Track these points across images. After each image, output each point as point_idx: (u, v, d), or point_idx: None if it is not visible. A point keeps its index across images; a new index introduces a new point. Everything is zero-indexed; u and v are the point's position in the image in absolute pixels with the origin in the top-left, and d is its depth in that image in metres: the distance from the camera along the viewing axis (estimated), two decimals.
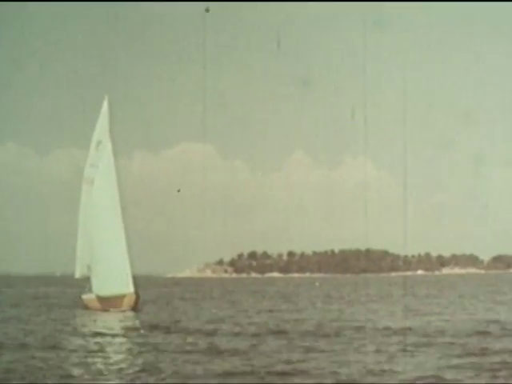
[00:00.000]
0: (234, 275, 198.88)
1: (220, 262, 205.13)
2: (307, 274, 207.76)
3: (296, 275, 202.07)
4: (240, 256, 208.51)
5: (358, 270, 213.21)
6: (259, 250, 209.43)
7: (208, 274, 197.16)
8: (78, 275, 41.83)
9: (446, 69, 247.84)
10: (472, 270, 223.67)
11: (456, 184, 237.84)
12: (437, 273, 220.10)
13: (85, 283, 40.71)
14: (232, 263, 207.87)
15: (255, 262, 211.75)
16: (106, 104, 40.06)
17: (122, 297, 38.11)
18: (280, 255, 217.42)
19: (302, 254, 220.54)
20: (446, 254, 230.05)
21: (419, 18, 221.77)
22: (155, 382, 16.78)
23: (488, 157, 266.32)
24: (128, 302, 38.10)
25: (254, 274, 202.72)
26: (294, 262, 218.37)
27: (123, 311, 37.55)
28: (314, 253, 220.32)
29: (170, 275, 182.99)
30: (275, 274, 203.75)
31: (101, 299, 39.02)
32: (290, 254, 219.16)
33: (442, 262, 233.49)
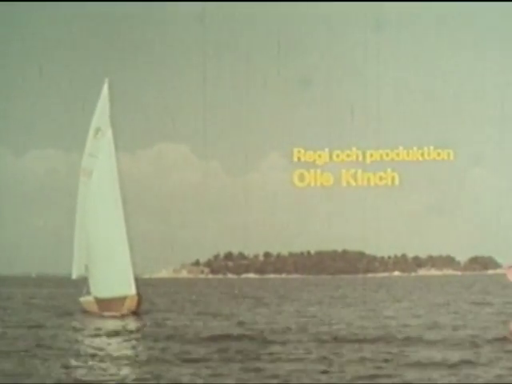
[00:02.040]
0: (211, 276, 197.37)
1: (196, 263, 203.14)
2: (283, 275, 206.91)
3: (272, 276, 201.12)
4: (216, 257, 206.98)
5: (334, 271, 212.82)
6: (235, 250, 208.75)
7: (184, 274, 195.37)
8: (74, 276, 38.14)
9: (447, 69, 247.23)
10: (449, 272, 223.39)
11: (433, 185, 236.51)
12: (413, 274, 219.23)
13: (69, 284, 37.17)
14: (208, 264, 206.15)
15: (231, 262, 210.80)
16: (106, 87, 36.19)
17: (122, 299, 34.60)
18: (256, 256, 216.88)
19: (278, 255, 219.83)
20: (423, 255, 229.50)
21: (419, 18, 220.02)
22: (155, 382, 16.42)
23: (466, 157, 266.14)
24: (129, 304, 34.55)
25: (230, 275, 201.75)
26: (270, 263, 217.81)
27: (124, 315, 34.09)
28: (290, 254, 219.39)
29: (146, 276, 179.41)
30: (251, 275, 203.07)
31: (99, 301, 35.40)
32: (266, 254, 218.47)
33: (418, 263, 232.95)
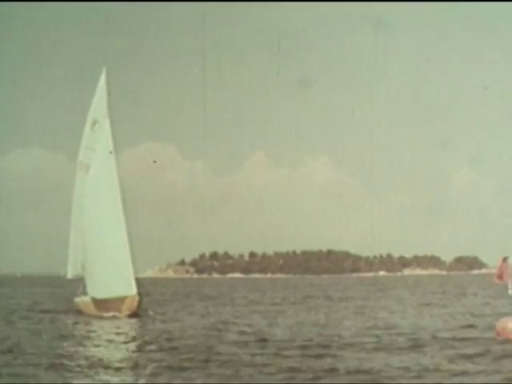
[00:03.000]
0: (196, 276, 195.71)
1: (182, 263, 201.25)
2: (268, 275, 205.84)
3: (258, 276, 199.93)
4: (202, 256, 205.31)
5: (320, 270, 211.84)
6: (221, 250, 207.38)
7: (170, 274, 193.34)
8: (70, 275, 36.15)
9: (446, 69, 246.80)
10: (434, 271, 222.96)
11: (418, 185, 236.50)
12: (399, 274, 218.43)
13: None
14: (194, 264, 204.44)
15: (217, 262, 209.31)
16: (103, 77, 34.30)
17: (122, 299, 32.72)
18: (241, 256, 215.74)
19: (264, 255, 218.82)
20: (408, 254, 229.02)
21: (419, 18, 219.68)
22: (156, 382, 15.97)
23: (451, 158, 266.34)
24: (129, 305, 32.67)
25: (215, 275, 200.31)
26: (255, 263, 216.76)
27: (123, 316, 32.30)
28: (276, 253, 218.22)
29: None
30: (237, 275, 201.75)
31: (97, 302, 33.50)
32: (252, 254, 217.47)
33: (403, 262, 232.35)
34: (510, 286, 30.78)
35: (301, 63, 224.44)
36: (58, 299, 49.61)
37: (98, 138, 33.96)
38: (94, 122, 34.20)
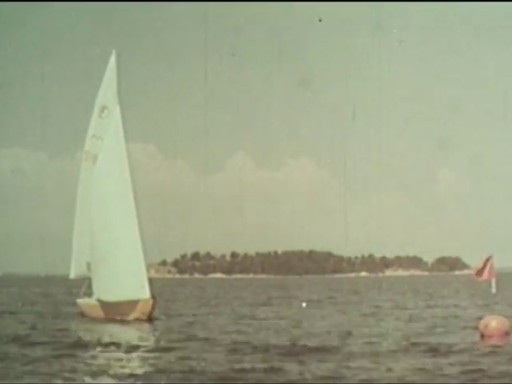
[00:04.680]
0: (178, 276, 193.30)
1: (163, 263, 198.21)
2: (250, 275, 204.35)
3: (239, 276, 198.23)
4: (183, 257, 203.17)
5: (302, 271, 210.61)
6: (202, 250, 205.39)
7: (152, 274, 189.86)
8: (73, 275, 32.88)
9: (447, 68, 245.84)
10: (416, 272, 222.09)
11: (400, 185, 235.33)
12: (380, 275, 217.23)
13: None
14: (175, 264, 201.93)
15: (198, 262, 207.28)
16: (113, 59, 31.17)
17: (134, 303, 29.51)
18: (223, 256, 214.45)
19: (245, 255, 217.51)
20: (390, 255, 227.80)
21: (420, 18, 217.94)
22: (156, 382, 15.04)
23: (434, 158, 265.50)
24: (142, 309, 29.34)
25: (197, 275, 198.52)
26: (237, 263, 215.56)
27: (135, 321, 29.34)
28: (257, 254, 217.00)
29: None
30: (218, 275, 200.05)
31: (105, 305, 30.25)
32: (233, 254, 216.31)
33: (385, 263, 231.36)
34: (493, 285, 28.74)
35: (301, 63, 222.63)
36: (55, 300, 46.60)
37: (106, 126, 30.85)
38: (103, 109, 31.14)
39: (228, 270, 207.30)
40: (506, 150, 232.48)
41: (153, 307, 29.83)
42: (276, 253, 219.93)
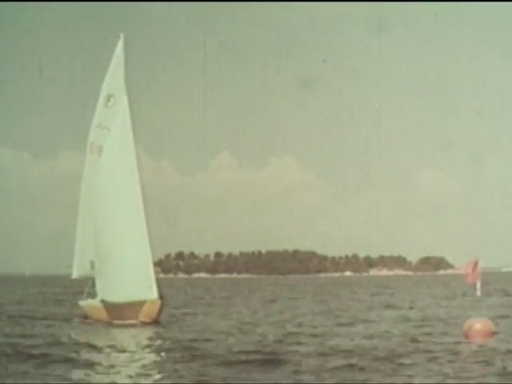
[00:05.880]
0: (162, 275, 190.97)
1: None
2: (234, 275, 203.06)
3: (223, 276, 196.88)
4: (167, 256, 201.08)
5: (286, 270, 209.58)
6: (186, 250, 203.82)
7: None
8: (75, 275, 30.82)
9: (446, 69, 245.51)
10: (400, 272, 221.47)
11: (384, 185, 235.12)
12: (364, 274, 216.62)
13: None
14: (159, 263, 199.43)
15: (182, 262, 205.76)
16: (120, 44, 29.24)
17: (140, 304, 27.65)
18: (207, 256, 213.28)
19: (229, 255, 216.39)
20: (374, 255, 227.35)
21: (419, 18, 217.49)
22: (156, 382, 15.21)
23: (418, 159, 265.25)
24: (149, 311, 27.59)
25: (181, 275, 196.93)
26: (221, 263, 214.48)
27: (141, 323, 27.46)
28: (241, 253, 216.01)
29: None
30: (202, 275, 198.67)
31: (109, 307, 28.28)
32: (217, 254, 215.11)
33: (369, 263, 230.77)
34: (478, 288, 28.77)
35: (301, 63, 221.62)
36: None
37: (112, 116, 28.91)
38: (109, 97, 29.14)
39: (212, 270, 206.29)
40: (490, 150, 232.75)
41: (160, 309, 27.99)
42: (260, 252, 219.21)
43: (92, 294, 30.15)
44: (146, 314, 27.76)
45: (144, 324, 27.50)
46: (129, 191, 28.30)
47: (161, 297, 28.10)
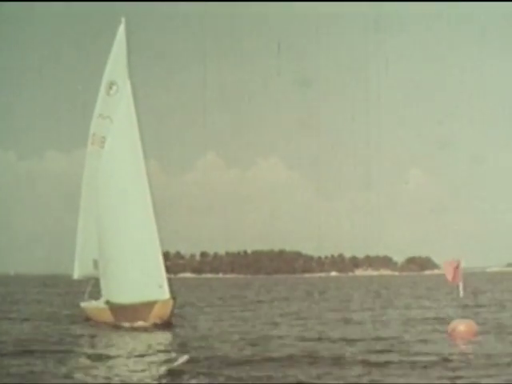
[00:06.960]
0: None
1: None
2: (220, 275, 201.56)
3: (209, 276, 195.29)
4: None
5: (271, 270, 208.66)
6: (172, 250, 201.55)
7: None
8: (77, 275, 28.94)
9: (446, 69, 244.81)
10: (386, 272, 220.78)
11: (370, 186, 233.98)
12: (350, 274, 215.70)
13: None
14: None
15: (168, 262, 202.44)
16: (122, 28, 27.34)
17: (150, 305, 25.76)
18: (193, 255, 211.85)
19: (215, 255, 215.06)
20: (360, 255, 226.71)
21: (419, 18, 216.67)
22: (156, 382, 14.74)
23: (406, 159, 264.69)
24: (159, 312, 25.67)
25: (166, 275, 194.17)
26: (206, 263, 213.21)
27: (151, 326, 25.60)
28: (227, 253, 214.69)
29: None
30: (188, 275, 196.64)
31: (115, 308, 26.40)
32: (203, 254, 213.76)
33: (355, 263, 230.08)
34: (460, 289, 28.54)
35: (301, 63, 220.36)
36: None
37: (115, 104, 27.06)
38: (111, 85, 27.30)
39: (198, 270, 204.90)
40: (478, 150, 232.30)
41: (172, 310, 26.13)
42: (246, 252, 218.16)
43: (94, 294, 28.47)
44: (156, 315, 25.86)
45: (155, 326, 25.67)
46: (135, 184, 26.49)
47: (173, 297, 26.24)
